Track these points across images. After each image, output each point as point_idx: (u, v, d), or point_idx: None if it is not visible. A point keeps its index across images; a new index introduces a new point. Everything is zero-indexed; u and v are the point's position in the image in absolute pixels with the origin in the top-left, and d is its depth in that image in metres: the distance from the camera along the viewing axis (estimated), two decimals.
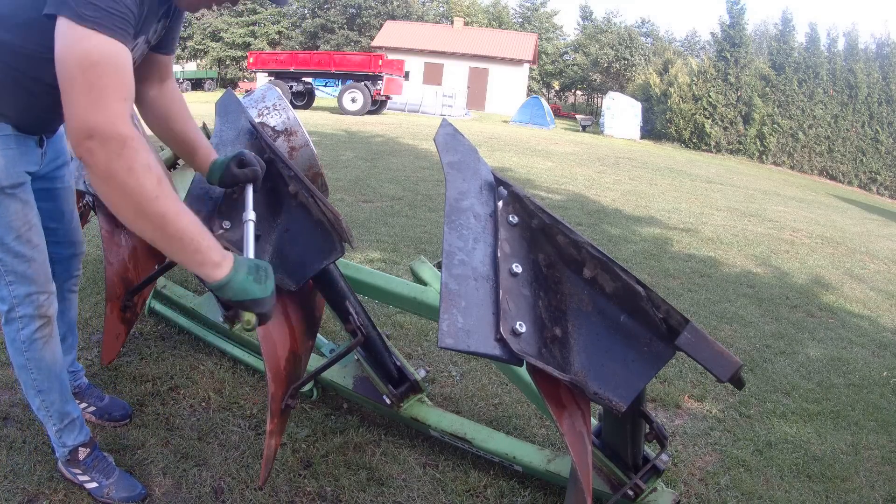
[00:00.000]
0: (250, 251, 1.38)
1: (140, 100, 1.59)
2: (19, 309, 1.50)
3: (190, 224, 1.16)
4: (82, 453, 1.66)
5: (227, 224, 1.56)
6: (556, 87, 48.40)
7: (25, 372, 1.57)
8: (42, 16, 1.14)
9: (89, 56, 1.09)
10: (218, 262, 1.19)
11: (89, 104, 1.08)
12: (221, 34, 37.96)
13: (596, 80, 40.36)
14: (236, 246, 1.54)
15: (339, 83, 19.83)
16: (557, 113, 34.25)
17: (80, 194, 2.42)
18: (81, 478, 1.67)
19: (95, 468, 1.67)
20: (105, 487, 1.65)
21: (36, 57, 1.29)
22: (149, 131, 1.74)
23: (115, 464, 1.72)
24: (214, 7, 1.44)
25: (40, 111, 1.42)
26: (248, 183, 1.56)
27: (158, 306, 2.71)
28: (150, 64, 1.53)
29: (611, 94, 24.74)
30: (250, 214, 1.46)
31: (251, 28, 38.91)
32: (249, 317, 1.24)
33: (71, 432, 1.65)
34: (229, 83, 35.58)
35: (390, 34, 33.29)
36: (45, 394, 1.59)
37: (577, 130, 23.78)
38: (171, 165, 2.92)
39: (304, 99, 19.70)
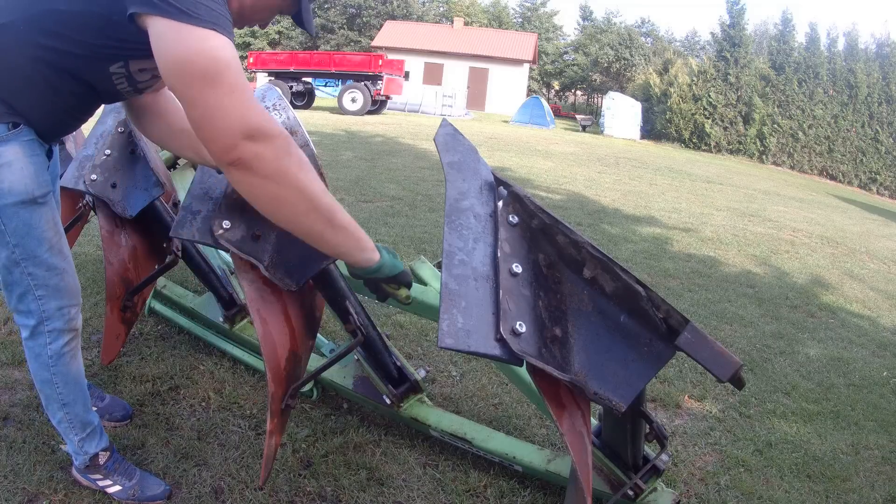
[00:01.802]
0: None
1: (134, 106, 1.54)
2: (48, 323, 1.44)
3: (346, 214, 1.19)
4: (103, 457, 1.64)
5: (227, 224, 1.55)
6: (556, 87, 48.41)
7: (50, 386, 1.51)
8: (106, 12, 1.05)
9: (220, 58, 1.01)
10: (372, 247, 1.24)
11: (242, 105, 1.01)
12: None
13: (596, 80, 40.35)
14: (236, 246, 1.54)
15: (339, 83, 19.84)
16: (557, 113, 34.23)
17: (80, 194, 2.42)
18: (102, 483, 1.64)
19: (117, 471, 1.65)
20: (130, 489, 1.63)
21: (76, 54, 1.21)
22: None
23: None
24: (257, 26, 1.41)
25: (62, 114, 1.36)
26: None
27: (158, 306, 2.71)
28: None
29: (611, 94, 24.74)
30: None
31: (251, 28, 38.82)
32: (403, 290, 1.30)
33: (92, 440, 1.63)
34: None
35: (390, 34, 33.28)
36: (69, 406, 1.55)
37: (577, 130, 23.77)
38: (170, 165, 2.92)
39: (304, 99, 19.70)
